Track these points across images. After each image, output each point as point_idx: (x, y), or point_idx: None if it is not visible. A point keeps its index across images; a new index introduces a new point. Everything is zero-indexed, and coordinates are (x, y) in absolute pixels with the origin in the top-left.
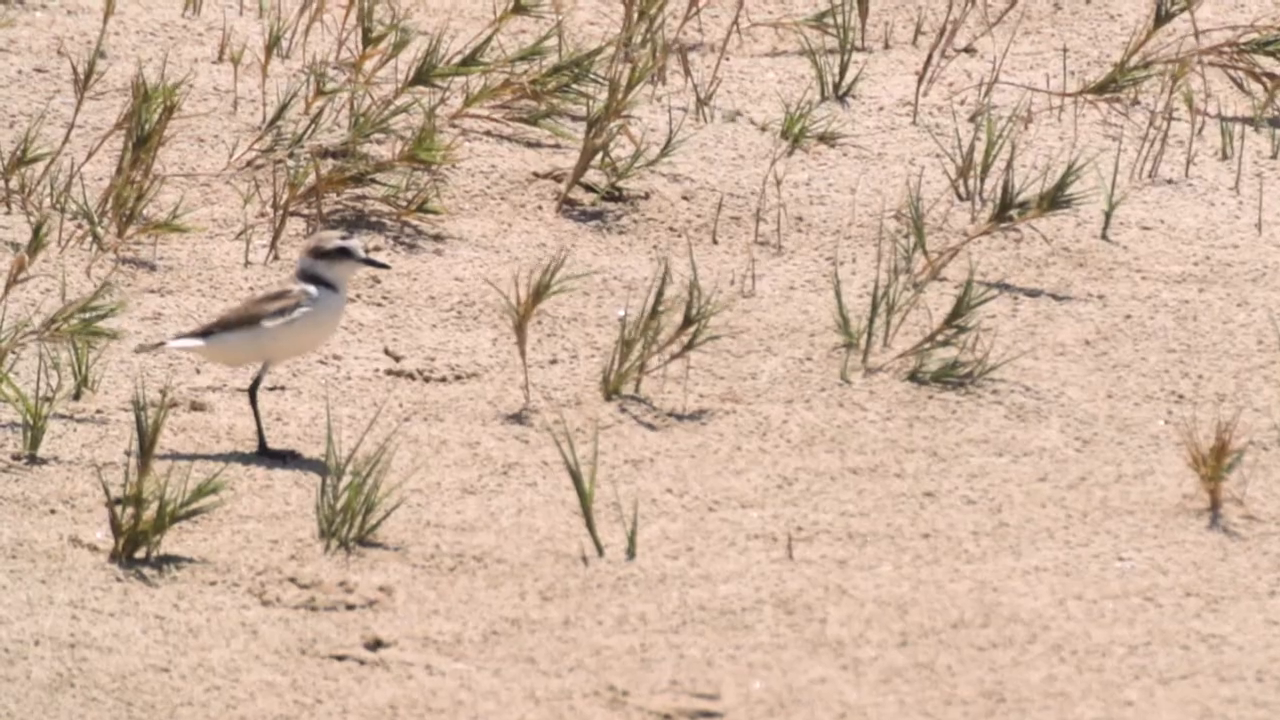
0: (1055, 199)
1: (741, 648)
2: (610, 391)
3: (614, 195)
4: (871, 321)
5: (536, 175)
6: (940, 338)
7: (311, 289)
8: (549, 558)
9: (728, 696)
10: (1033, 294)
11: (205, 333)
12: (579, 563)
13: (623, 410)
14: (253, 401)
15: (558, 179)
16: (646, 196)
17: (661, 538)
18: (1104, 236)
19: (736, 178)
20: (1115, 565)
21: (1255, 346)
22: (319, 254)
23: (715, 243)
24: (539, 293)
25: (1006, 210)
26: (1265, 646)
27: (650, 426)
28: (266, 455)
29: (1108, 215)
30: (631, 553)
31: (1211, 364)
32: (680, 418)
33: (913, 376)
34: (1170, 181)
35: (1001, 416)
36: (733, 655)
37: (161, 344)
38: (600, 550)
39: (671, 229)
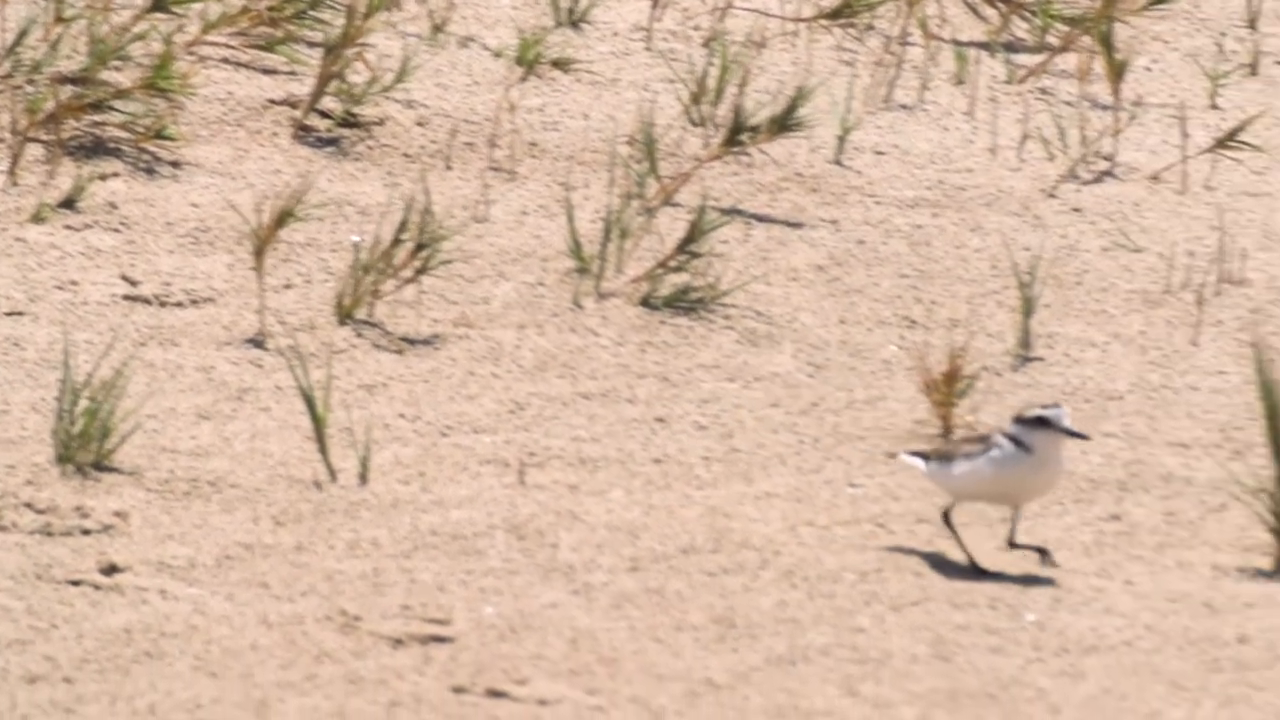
0: (785, 122)
1: (473, 573)
2: (344, 316)
3: (349, 122)
4: (604, 247)
5: (273, 102)
6: (673, 263)
7: (1005, 444)
8: (282, 483)
9: (459, 621)
10: (765, 220)
11: (925, 456)
12: (312, 488)
13: (357, 335)
14: (947, 524)
15: (294, 106)
16: (381, 123)
17: (394, 463)
18: (837, 162)
19: (471, 104)
20: (847, 491)
21: (989, 271)
22: (1018, 420)
23: (449, 169)
24: (281, 219)
25: (738, 134)
26: (996, 573)
27: (384, 351)
28: (980, 574)
29: (841, 140)
30: (364, 478)
31: (944, 289)
32: (414, 342)
33: (645, 302)
34: (904, 107)
35: (733, 342)
36: (464, 580)
37: (895, 455)
38: (333, 475)
39: (406, 155)
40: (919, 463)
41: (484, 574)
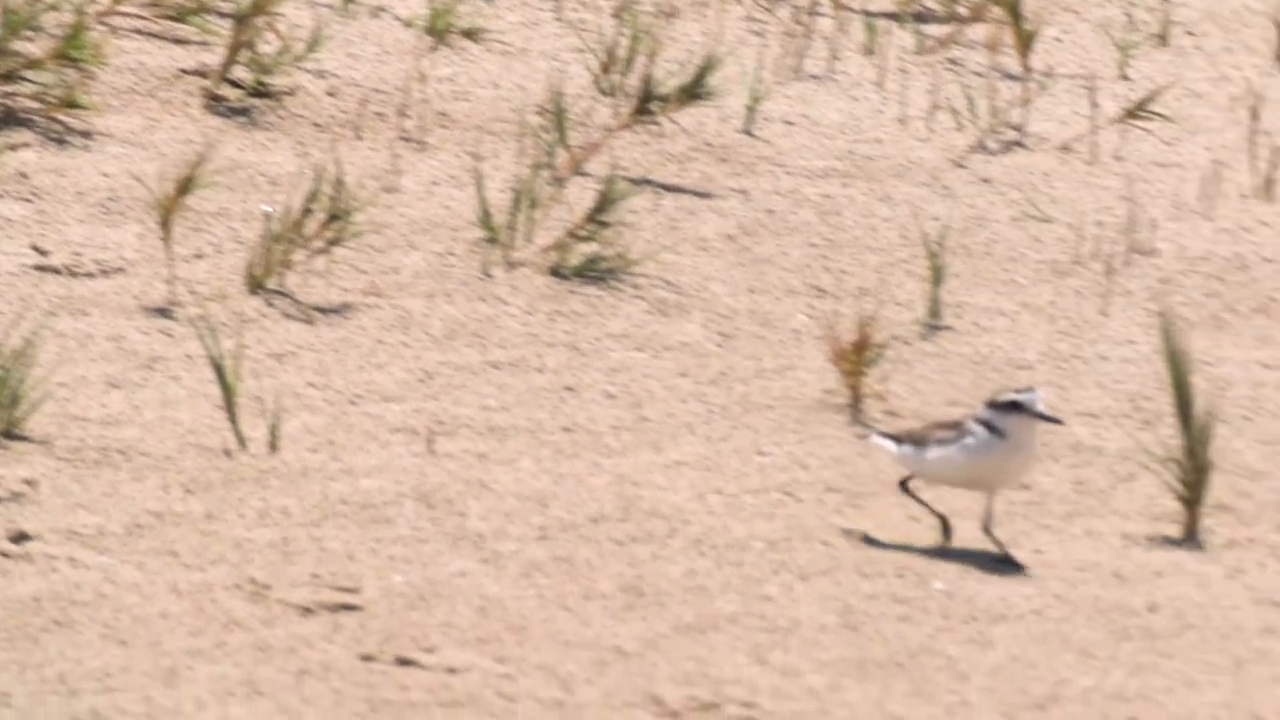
0: (694, 91)
1: (382, 541)
2: (254, 285)
3: (260, 92)
4: (514, 217)
5: (184, 72)
6: (582, 233)
7: (979, 430)
8: (192, 451)
9: (368, 589)
10: (675, 189)
11: (897, 439)
12: (222, 456)
13: (268, 304)
14: (905, 492)
15: (205, 76)
16: (292, 93)
17: (304, 431)
18: (747, 132)
19: (381, 73)
20: (755, 460)
21: (898, 240)
22: (991, 405)
23: (360, 138)
24: (185, 186)
25: (647, 104)
26: (905, 542)
27: (294, 320)
28: (946, 532)
29: (750, 110)
30: (274, 446)
31: (854, 258)
32: (324, 311)
33: (554, 271)
34: (814, 77)
35: (643, 311)
36: (373, 549)
37: (866, 436)
38: (243, 444)
39: (316, 125)
40: (890, 445)
41: (393, 542)
